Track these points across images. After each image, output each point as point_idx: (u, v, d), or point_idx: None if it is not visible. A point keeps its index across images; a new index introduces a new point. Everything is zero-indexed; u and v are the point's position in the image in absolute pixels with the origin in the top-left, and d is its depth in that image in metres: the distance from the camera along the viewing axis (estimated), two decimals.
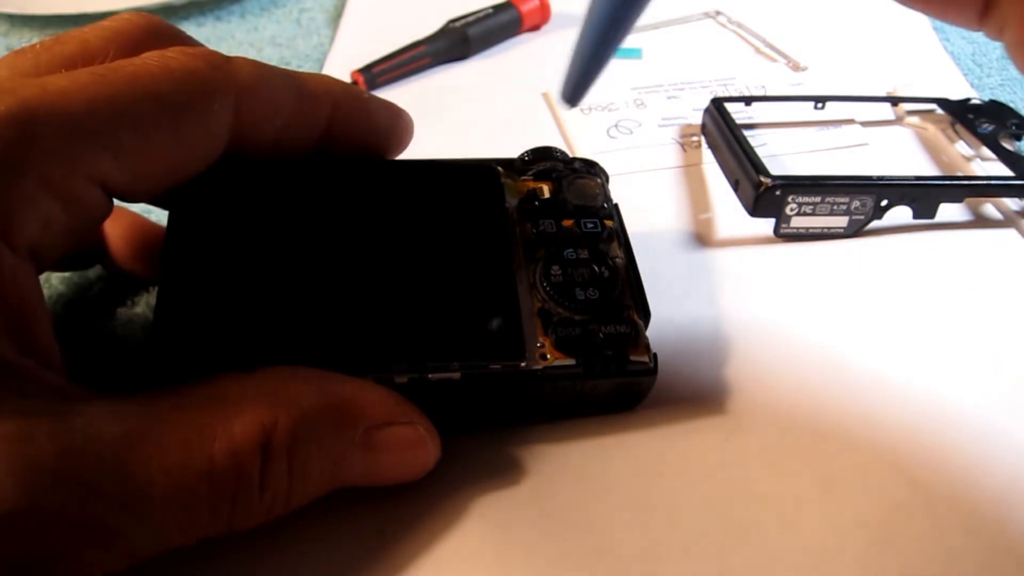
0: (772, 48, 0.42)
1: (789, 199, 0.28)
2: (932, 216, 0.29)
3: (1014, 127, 0.33)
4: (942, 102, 0.35)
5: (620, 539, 0.20)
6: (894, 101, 0.36)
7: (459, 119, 0.38)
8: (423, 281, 0.21)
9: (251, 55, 0.43)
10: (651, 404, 0.23)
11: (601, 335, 0.21)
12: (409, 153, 0.25)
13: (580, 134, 0.36)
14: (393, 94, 0.39)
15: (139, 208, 0.27)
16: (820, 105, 0.35)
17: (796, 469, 0.22)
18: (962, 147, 0.33)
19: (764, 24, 0.43)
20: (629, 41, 0.43)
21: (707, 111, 0.34)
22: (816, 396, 0.24)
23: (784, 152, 0.34)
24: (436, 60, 0.41)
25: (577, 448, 0.22)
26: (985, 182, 0.30)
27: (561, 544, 0.20)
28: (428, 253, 0.21)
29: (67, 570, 0.15)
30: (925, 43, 0.42)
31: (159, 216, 0.29)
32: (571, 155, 0.25)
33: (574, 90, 0.19)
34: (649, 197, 0.32)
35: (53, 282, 0.28)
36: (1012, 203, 0.31)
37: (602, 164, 0.25)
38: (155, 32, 0.22)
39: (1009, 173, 0.30)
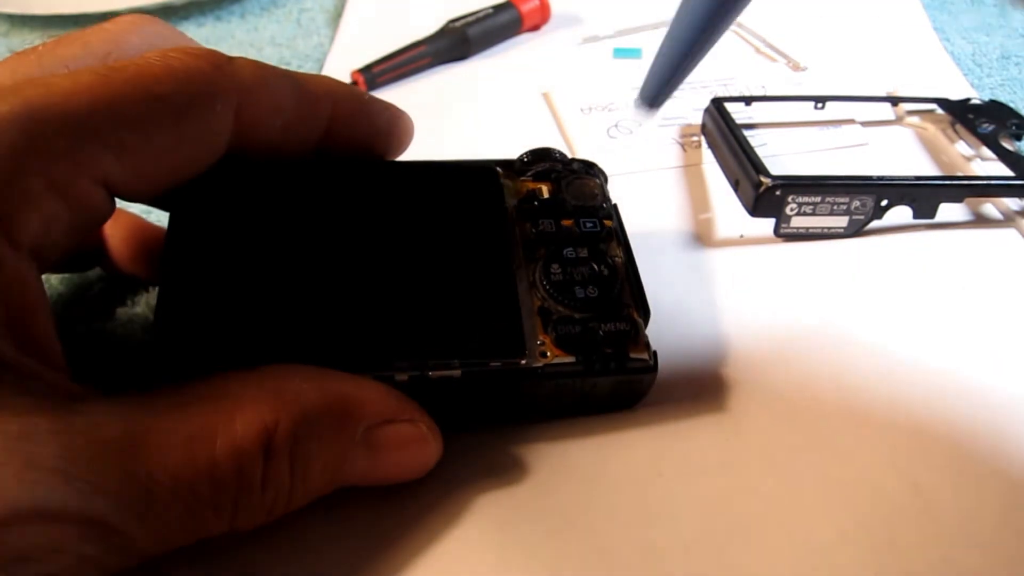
0: (772, 48, 0.42)
1: (789, 199, 0.28)
2: (932, 216, 0.29)
3: (1014, 127, 0.33)
4: (942, 102, 0.35)
5: (620, 538, 0.20)
6: (894, 101, 0.36)
7: (459, 119, 0.38)
8: (423, 280, 0.21)
9: (251, 55, 0.43)
10: (651, 404, 0.23)
11: (601, 333, 0.21)
12: (409, 153, 0.25)
13: (580, 134, 0.36)
14: (393, 94, 0.39)
15: (138, 209, 0.27)
16: (820, 105, 0.35)
17: (796, 469, 0.22)
18: (962, 147, 0.33)
19: (764, 24, 0.43)
20: (629, 41, 0.43)
21: (707, 111, 0.34)
22: (816, 396, 0.24)
23: (784, 152, 0.34)
24: (436, 60, 0.41)
25: (577, 447, 0.22)
26: (985, 182, 0.30)
27: (561, 543, 0.20)
28: (428, 253, 0.21)
29: (68, 568, 0.15)
30: (925, 43, 0.42)
31: (158, 217, 0.29)
32: (570, 156, 0.25)
33: (656, 94, 0.18)
34: (649, 197, 0.32)
35: (53, 282, 0.28)
36: (1012, 203, 0.31)
37: (602, 164, 0.25)
38: (156, 34, 0.22)
39: (1009, 173, 0.30)
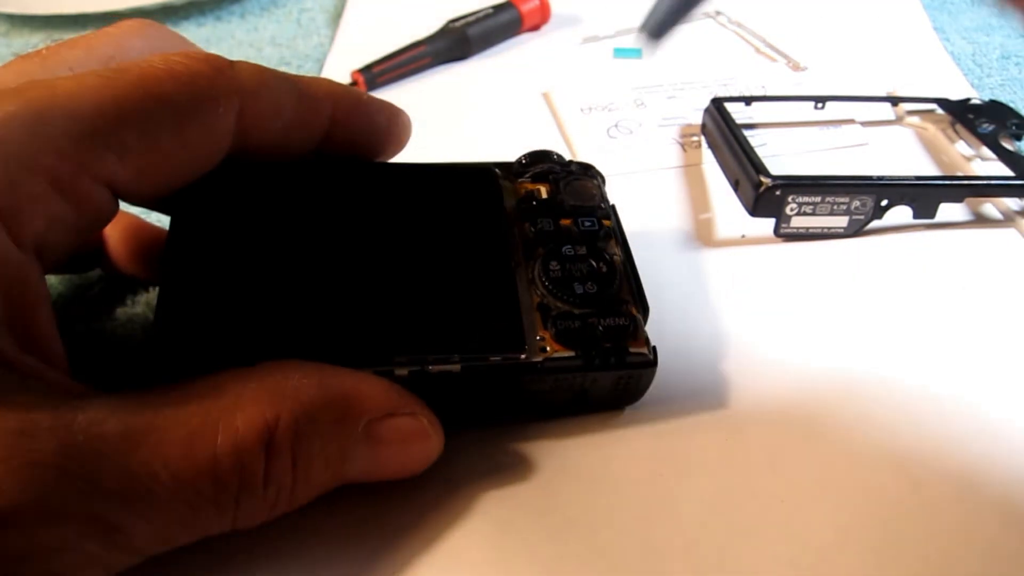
0: (772, 48, 0.42)
1: (789, 199, 0.28)
2: (932, 216, 0.29)
3: (1014, 127, 0.33)
4: (942, 102, 0.35)
5: (620, 538, 0.20)
6: (894, 101, 0.36)
7: (459, 119, 0.38)
8: (423, 279, 0.21)
9: (251, 55, 0.43)
10: (651, 403, 0.23)
11: (600, 328, 0.21)
12: (409, 152, 0.25)
13: (580, 134, 0.36)
14: (393, 94, 0.39)
15: (138, 210, 0.27)
16: (820, 105, 0.35)
17: (796, 468, 0.22)
18: (962, 147, 0.33)
19: (764, 24, 0.43)
20: (629, 41, 0.43)
21: (707, 111, 0.34)
22: (817, 395, 0.24)
23: (784, 152, 0.34)
24: (436, 60, 0.41)
25: (578, 446, 0.22)
26: (985, 182, 0.30)
27: (561, 542, 0.20)
28: (428, 252, 0.21)
29: (69, 566, 0.15)
30: (925, 43, 0.42)
31: (158, 218, 0.29)
32: (569, 156, 0.25)
33: (660, 24, 0.18)
34: (649, 197, 0.32)
35: (53, 282, 0.28)
36: (1012, 203, 0.31)
37: (602, 164, 0.25)
38: (159, 37, 0.22)
39: (1009, 173, 0.30)
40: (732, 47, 0.42)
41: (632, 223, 0.24)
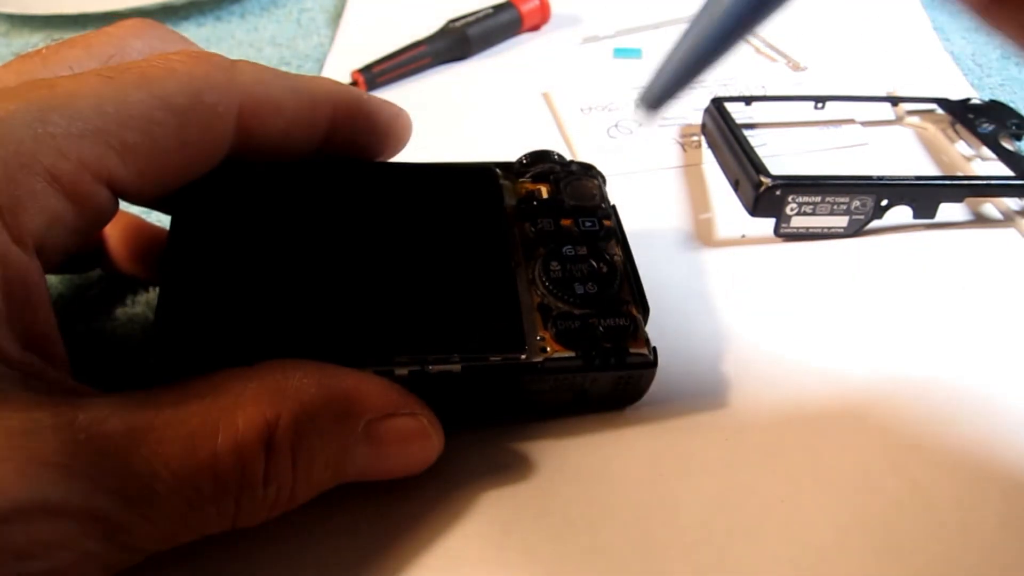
0: (772, 48, 0.42)
1: (789, 199, 0.28)
2: (932, 216, 0.29)
3: (1014, 127, 0.33)
4: (942, 102, 0.35)
5: (621, 537, 0.20)
6: (894, 101, 0.36)
7: (459, 119, 0.38)
8: (423, 278, 0.21)
9: (251, 55, 0.43)
10: (651, 403, 0.23)
11: (601, 328, 0.21)
12: (409, 152, 0.25)
13: (580, 134, 0.36)
14: (393, 94, 0.39)
15: (138, 210, 0.27)
16: (820, 105, 0.35)
17: (796, 468, 0.22)
18: (962, 147, 0.33)
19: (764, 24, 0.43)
20: (629, 41, 0.43)
21: (707, 111, 0.34)
22: (817, 395, 0.24)
23: (784, 152, 0.34)
24: (436, 60, 0.41)
25: (578, 446, 0.22)
26: (985, 182, 0.30)
27: (561, 542, 0.20)
28: (428, 252, 0.21)
29: (70, 564, 0.15)
30: (925, 43, 0.42)
31: (158, 218, 0.29)
32: (570, 156, 0.25)
33: (660, 97, 0.18)
34: (649, 197, 0.32)
35: (53, 282, 0.28)
36: (1012, 203, 0.31)
37: (602, 164, 0.25)
38: (159, 37, 0.22)
39: (1009, 173, 0.30)
40: None
41: (632, 223, 0.24)
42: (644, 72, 0.40)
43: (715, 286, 0.28)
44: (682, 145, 0.35)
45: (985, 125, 0.33)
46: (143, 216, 0.27)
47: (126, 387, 0.17)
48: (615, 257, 0.23)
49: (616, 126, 0.36)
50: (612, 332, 0.21)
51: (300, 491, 0.18)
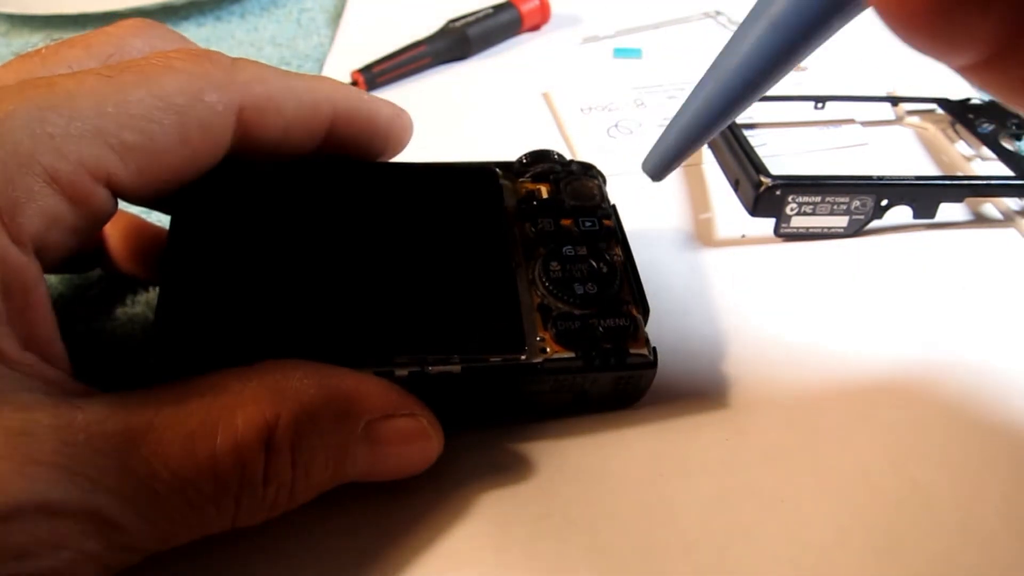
0: None
1: (789, 199, 0.28)
2: (932, 216, 0.29)
3: (1014, 127, 0.33)
4: (942, 102, 0.35)
5: (621, 537, 0.20)
6: (894, 101, 0.36)
7: (459, 119, 0.38)
8: (423, 279, 0.21)
9: (251, 55, 0.43)
10: (651, 403, 0.23)
11: (601, 329, 0.21)
12: (409, 152, 0.25)
13: (580, 134, 0.36)
14: (393, 94, 0.39)
15: (137, 209, 0.27)
16: (820, 105, 0.35)
17: (797, 467, 0.22)
18: (962, 147, 0.33)
19: None
20: (629, 41, 0.43)
21: None
22: (816, 395, 0.24)
23: (784, 152, 0.34)
24: (436, 60, 0.41)
25: (578, 446, 0.22)
26: (985, 182, 0.30)
27: (562, 542, 0.20)
28: (428, 252, 0.21)
29: (69, 564, 0.15)
30: None
31: (158, 218, 0.29)
32: (570, 156, 0.25)
33: (662, 167, 0.18)
34: (649, 197, 0.32)
35: (53, 282, 0.28)
36: (1012, 203, 0.31)
37: (602, 164, 0.25)
38: (158, 36, 0.22)
39: (1009, 173, 0.30)
40: None
41: (632, 223, 0.24)
42: (644, 72, 0.40)
43: (715, 286, 0.28)
44: None
45: (985, 125, 0.33)
46: (143, 216, 0.27)
47: (126, 387, 0.17)
48: (615, 257, 0.23)
49: (616, 126, 0.36)
50: (612, 332, 0.21)
51: (300, 491, 0.18)
